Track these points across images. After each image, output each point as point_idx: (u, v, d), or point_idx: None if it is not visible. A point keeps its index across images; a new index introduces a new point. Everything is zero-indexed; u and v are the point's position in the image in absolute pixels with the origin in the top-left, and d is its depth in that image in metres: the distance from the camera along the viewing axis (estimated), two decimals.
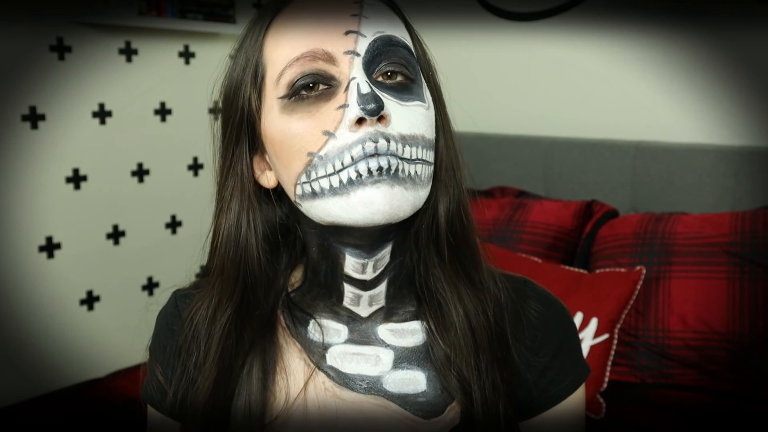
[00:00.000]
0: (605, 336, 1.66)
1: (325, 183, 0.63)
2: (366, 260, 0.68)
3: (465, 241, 0.71)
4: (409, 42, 0.67)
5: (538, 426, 0.73)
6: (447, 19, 2.45)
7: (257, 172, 0.70)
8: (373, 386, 0.68)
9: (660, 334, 1.72)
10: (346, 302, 0.71)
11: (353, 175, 0.61)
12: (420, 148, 0.64)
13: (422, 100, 0.66)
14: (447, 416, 0.68)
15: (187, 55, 2.43)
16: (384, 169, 0.61)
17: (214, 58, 2.48)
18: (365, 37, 0.63)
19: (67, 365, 2.14)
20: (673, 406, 1.62)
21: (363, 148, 0.61)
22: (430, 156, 0.66)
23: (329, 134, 0.62)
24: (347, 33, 0.63)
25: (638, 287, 1.73)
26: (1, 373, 2.03)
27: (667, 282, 1.75)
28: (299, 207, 0.67)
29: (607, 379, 1.64)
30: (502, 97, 2.38)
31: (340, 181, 0.62)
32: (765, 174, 1.88)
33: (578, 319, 1.69)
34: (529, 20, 2.30)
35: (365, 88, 0.61)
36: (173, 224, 2.48)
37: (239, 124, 0.67)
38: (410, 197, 0.63)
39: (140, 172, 2.35)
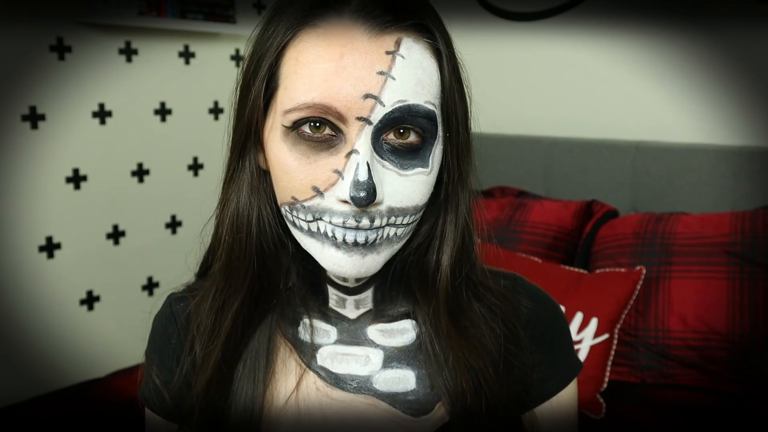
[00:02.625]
0: (605, 336, 1.66)
1: (303, 224, 0.63)
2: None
3: (465, 283, 0.70)
4: (434, 102, 0.62)
5: (530, 422, 0.73)
6: (447, 20, 2.44)
7: (259, 155, 0.69)
8: (363, 385, 0.69)
9: (660, 334, 1.72)
10: (332, 304, 0.71)
11: (329, 233, 0.62)
12: (408, 216, 0.63)
13: (425, 164, 0.63)
14: (436, 414, 0.68)
15: (187, 55, 2.43)
16: (360, 244, 0.61)
17: (214, 58, 2.50)
18: (383, 106, 0.59)
19: (67, 365, 2.14)
20: (673, 406, 1.62)
21: (344, 222, 0.61)
22: (417, 217, 0.65)
23: (318, 192, 0.61)
24: (366, 97, 0.59)
25: (638, 287, 1.73)
26: (1, 373, 2.03)
27: (667, 282, 1.75)
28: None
29: (607, 379, 1.64)
30: (502, 97, 2.38)
31: (318, 228, 0.62)
32: (765, 174, 1.88)
33: (578, 319, 1.69)
34: (529, 20, 2.30)
35: (363, 174, 0.58)
36: (173, 224, 2.48)
37: (248, 123, 0.66)
38: (381, 259, 0.63)
39: (140, 172, 2.35)
